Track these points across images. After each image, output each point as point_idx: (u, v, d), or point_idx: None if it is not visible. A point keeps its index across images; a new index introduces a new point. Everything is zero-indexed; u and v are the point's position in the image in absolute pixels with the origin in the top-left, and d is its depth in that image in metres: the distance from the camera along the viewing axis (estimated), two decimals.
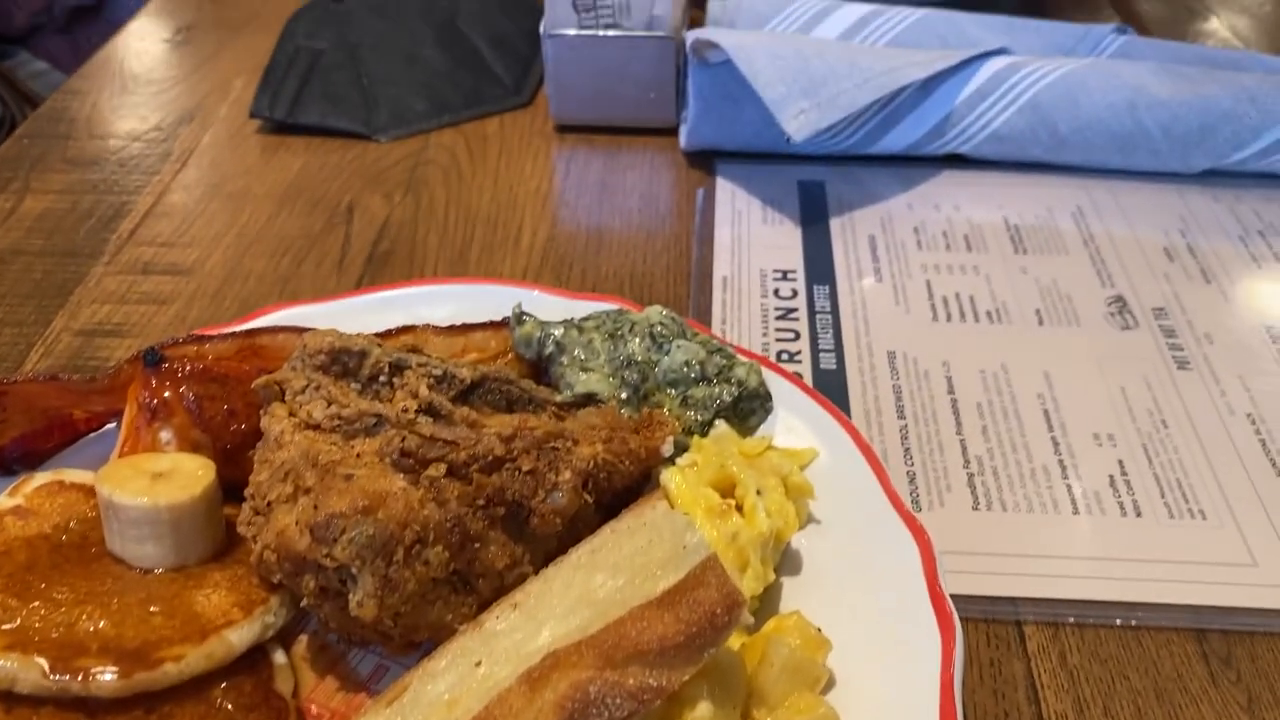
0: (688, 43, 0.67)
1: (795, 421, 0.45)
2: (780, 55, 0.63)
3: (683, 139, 0.71)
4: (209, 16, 0.89)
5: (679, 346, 0.46)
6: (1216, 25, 0.87)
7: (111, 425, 0.46)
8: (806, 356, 0.54)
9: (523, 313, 0.48)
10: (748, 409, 0.45)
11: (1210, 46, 0.72)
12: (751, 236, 0.64)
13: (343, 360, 0.42)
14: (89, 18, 1.67)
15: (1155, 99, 0.65)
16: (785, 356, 0.55)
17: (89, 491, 0.42)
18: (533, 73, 0.79)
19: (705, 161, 0.71)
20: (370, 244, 0.64)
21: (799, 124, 0.61)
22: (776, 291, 0.59)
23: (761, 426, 0.46)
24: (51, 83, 1.73)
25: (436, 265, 0.62)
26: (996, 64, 0.67)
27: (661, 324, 0.47)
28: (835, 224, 0.65)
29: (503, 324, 0.48)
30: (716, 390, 0.45)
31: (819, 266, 0.61)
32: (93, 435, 0.46)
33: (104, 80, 0.80)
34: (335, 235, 0.64)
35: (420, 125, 0.74)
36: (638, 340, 0.47)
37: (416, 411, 0.41)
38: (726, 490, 0.40)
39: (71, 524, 0.41)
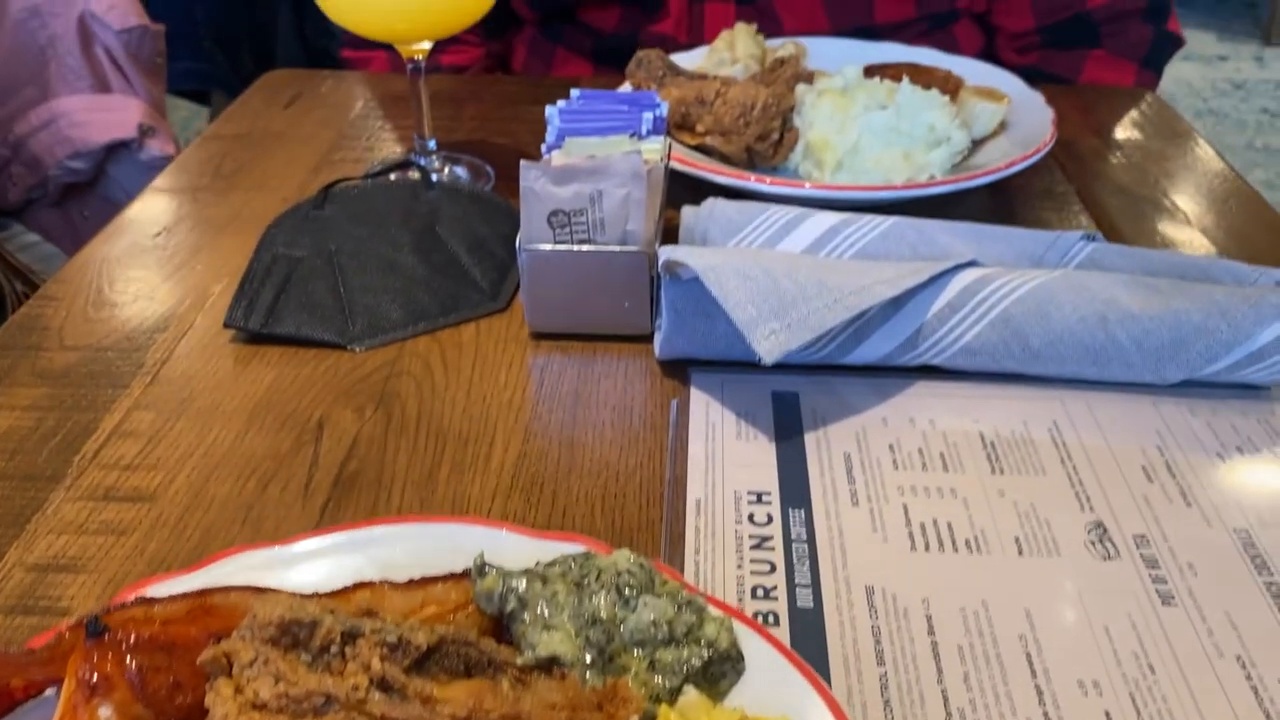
0: (660, 259, 0.68)
1: (768, 685, 0.43)
2: (750, 275, 0.64)
3: (657, 349, 0.71)
4: (190, 215, 0.90)
5: (645, 604, 0.44)
6: (1183, 221, 0.89)
7: (51, 691, 0.44)
8: (782, 593, 0.53)
9: (484, 564, 0.46)
10: (718, 672, 0.43)
11: (1178, 252, 0.73)
12: (725, 453, 0.63)
13: (293, 632, 0.41)
14: (82, 192, 1.70)
15: (1127, 313, 0.66)
16: (761, 593, 0.53)
17: None
18: (510, 278, 0.79)
19: (680, 370, 0.71)
20: (338, 464, 0.63)
21: (770, 345, 0.61)
22: (751, 517, 0.58)
23: (733, 689, 0.44)
24: (42, 254, 1.75)
25: (404, 488, 0.61)
26: (966, 277, 0.68)
27: (630, 572, 0.46)
28: (810, 439, 0.64)
29: (464, 575, 0.47)
30: (685, 653, 0.43)
31: (794, 488, 0.60)
32: (31, 703, 0.44)
33: (80, 286, 0.80)
34: (303, 455, 0.63)
35: (396, 334, 0.74)
36: (604, 594, 0.45)
37: (368, 686, 0.39)
38: None
39: None
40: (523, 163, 0.69)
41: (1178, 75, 3.89)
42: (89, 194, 1.70)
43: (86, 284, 0.80)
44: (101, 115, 1.58)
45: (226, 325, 0.74)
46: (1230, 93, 3.83)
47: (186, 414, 0.67)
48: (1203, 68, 3.99)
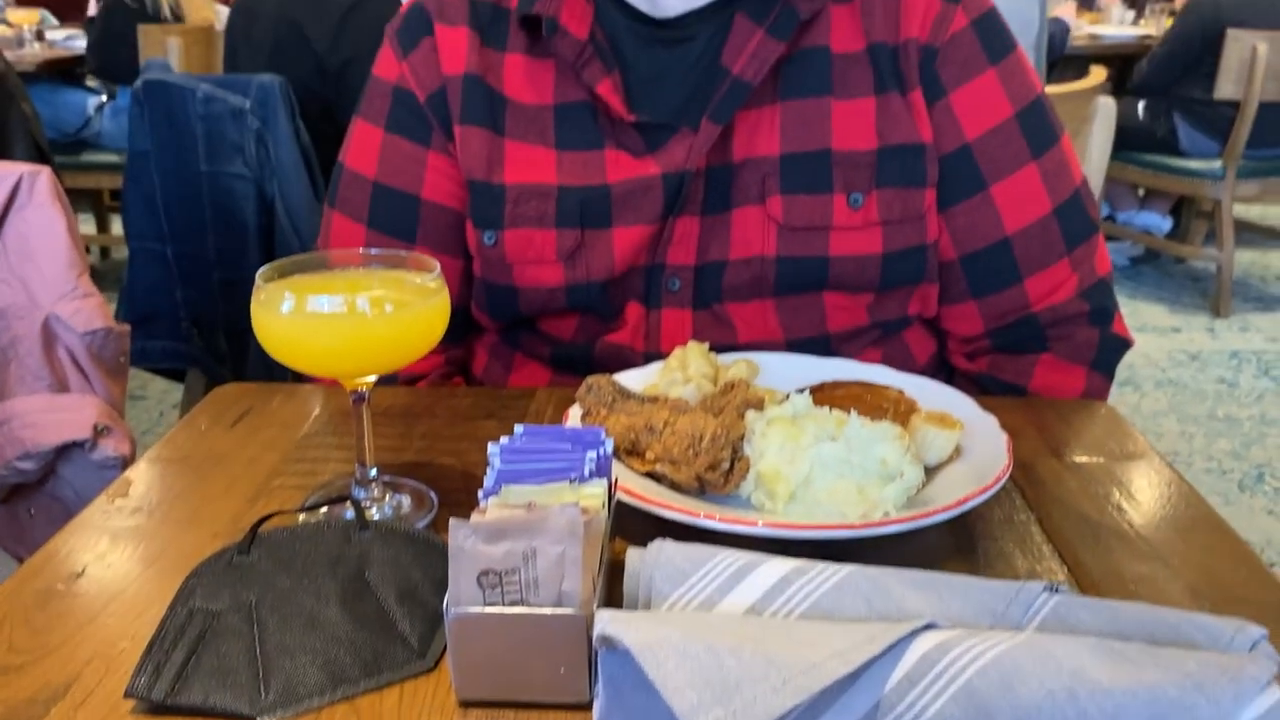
0: (595, 631, 0.63)
1: None
2: (690, 654, 0.59)
3: None
4: (110, 555, 0.85)
5: None
6: (1149, 555, 0.86)
7: None
8: None
9: None
10: None
11: (1146, 605, 0.70)
12: None
13: None
14: (29, 491, 1.66)
15: (1097, 685, 0.61)
16: None
17: None
18: (442, 631, 0.74)
19: None
20: None
21: None
22: None
23: None
24: None
25: None
26: (924, 644, 0.63)
27: None
28: None
29: None
30: None
31: None
32: None
33: None
34: None
35: (311, 702, 0.68)
36: None
37: None
38: None
39: None
40: (452, 521, 0.66)
41: (1136, 346, 4.01)
42: (37, 492, 1.66)
43: None
44: (56, 416, 1.56)
45: (127, 695, 0.67)
46: (1186, 363, 3.93)
47: None
48: (1158, 339, 4.12)
